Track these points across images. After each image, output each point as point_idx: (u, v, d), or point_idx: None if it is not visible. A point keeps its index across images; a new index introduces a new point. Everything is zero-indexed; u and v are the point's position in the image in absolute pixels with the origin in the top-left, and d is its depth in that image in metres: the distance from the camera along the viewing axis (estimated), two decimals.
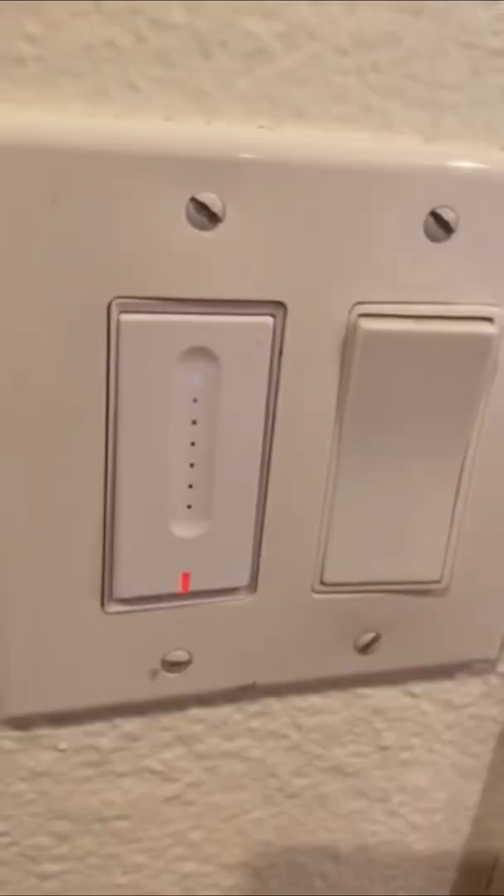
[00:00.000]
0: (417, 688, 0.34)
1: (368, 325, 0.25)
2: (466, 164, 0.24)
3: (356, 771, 0.35)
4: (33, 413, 0.23)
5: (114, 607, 0.27)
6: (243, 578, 0.27)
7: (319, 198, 0.23)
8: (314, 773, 0.35)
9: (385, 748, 0.35)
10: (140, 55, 0.21)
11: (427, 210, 0.24)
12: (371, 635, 0.30)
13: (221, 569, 0.27)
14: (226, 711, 0.32)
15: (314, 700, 0.33)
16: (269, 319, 0.24)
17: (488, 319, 0.25)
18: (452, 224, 0.24)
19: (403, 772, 0.36)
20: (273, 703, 0.32)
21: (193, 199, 0.22)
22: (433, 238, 0.24)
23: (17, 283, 0.21)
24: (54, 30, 0.21)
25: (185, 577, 0.27)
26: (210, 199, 0.22)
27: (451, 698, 0.35)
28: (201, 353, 0.24)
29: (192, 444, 0.25)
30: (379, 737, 0.35)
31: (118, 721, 0.30)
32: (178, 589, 0.27)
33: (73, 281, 0.22)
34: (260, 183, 0.22)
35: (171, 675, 0.28)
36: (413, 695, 0.34)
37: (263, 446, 0.26)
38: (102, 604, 0.26)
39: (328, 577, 0.28)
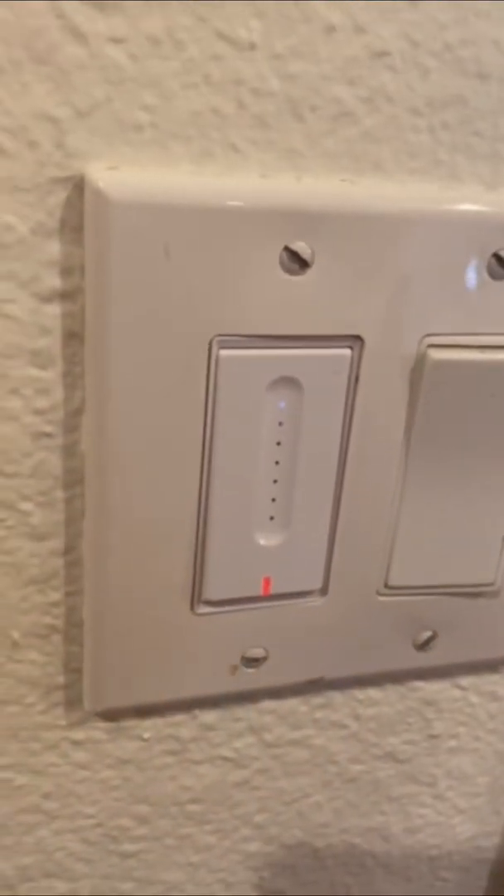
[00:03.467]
0: (465, 681, 0.37)
1: (436, 354, 0.27)
2: None
3: (407, 758, 0.38)
4: (139, 436, 0.26)
5: (202, 608, 0.29)
6: (317, 582, 0.30)
7: (394, 242, 0.26)
8: (369, 759, 0.37)
9: (434, 736, 0.38)
10: (240, 120, 0.24)
11: (490, 251, 0.27)
12: (428, 633, 0.33)
13: (298, 573, 0.30)
14: (293, 703, 0.34)
15: (372, 692, 0.35)
16: (347, 351, 0.27)
17: None
18: None
19: (450, 758, 0.39)
20: (335, 696, 0.35)
21: (286, 248, 0.25)
22: (495, 276, 0.27)
23: (135, 321, 0.24)
24: (168, 100, 0.23)
25: (267, 581, 0.29)
26: (301, 247, 0.25)
27: (496, 690, 0.38)
28: (288, 381, 0.27)
29: (277, 462, 0.28)
30: (429, 726, 0.38)
31: (197, 712, 0.33)
32: (260, 592, 0.29)
33: (181, 321, 0.25)
34: (344, 231, 0.25)
35: (249, 671, 0.31)
36: (461, 687, 0.37)
37: (338, 464, 0.29)
38: (192, 605, 0.29)
39: (393, 581, 0.31)
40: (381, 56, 0.24)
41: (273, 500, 0.28)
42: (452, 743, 0.39)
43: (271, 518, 0.29)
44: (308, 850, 0.39)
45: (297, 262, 0.25)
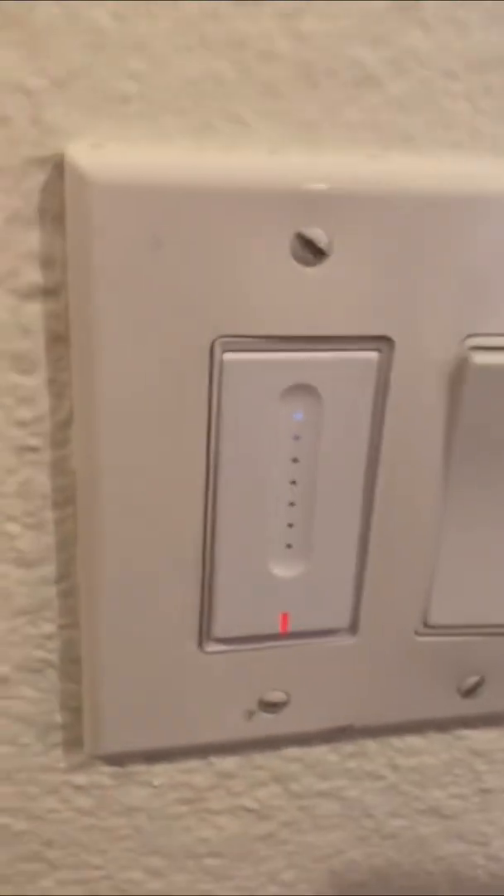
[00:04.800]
0: None
1: (481, 358, 0.23)
2: None
3: (455, 813, 0.34)
4: (134, 452, 0.23)
5: (212, 647, 0.26)
6: (344, 620, 0.27)
7: (428, 228, 0.22)
8: (411, 814, 0.33)
9: (486, 791, 0.34)
10: (244, 88, 0.21)
11: None
12: (475, 679, 0.29)
13: (321, 609, 0.26)
14: (321, 751, 0.31)
15: (413, 741, 0.32)
16: (373, 355, 0.23)
17: None
18: None
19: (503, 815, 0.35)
20: (370, 744, 0.31)
21: (299, 235, 0.21)
22: None
23: (125, 321, 0.21)
24: (158, 66, 0.20)
25: (285, 617, 0.26)
26: (316, 234, 0.21)
27: None
28: (304, 390, 0.23)
29: (293, 482, 0.24)
30: (479, 779, 0.33)
31: (213, 759, 0.30)
32: (278, 629, 0.26)
33: (177, 320, 0.22)
34: (367, 215, 0.22)
35: (268, 716, 0.28)
36: None
37: (366, 485, 0.25)
38: (200, 643, 0.26)
39: (432, 620, 0.27)
40: (409, 9, 0.21)
41: (290, 525, 0.25)
42: None
43: (288, 546, 0.25)
44: None
45: (312, 251, 0.21)
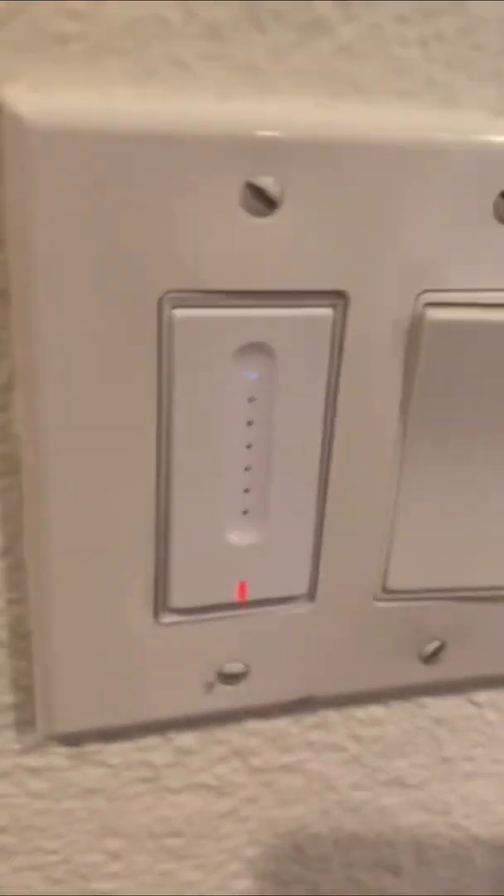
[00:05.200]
0: (481, 696, 0.32)
1: (436, 314, 0.23)
2: None
3: (418, 783, 0.34)
4: (81, 415, 0.22)
5: (168, 618, 0.25)
6: (302, 586, 0.26)
7: (383, 179, 0.21)
8: (374, 785, 0.33)
9: (447, 759, 0.34)
10: (189, 29, 0.20)
11: (499, 190, 0.22)
12: (436, 644, 0.28)
13: (279, 577, 0.26)
14: (282, 724, 0.30)
15: (374, 711, 0.31)
16: (328, 311, 0.23)
17: None
18: None
19: (466, 783, 0.35)
20: (331, 715, 0.31)
21: (249, 184, 0.21)
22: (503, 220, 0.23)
23: (67, 276, 0.20)
24: (99, 5, 0.19)
25: (242, 585, 0.25)
26: (267, 182, 0.21)
27: None
28: (258, 348, 0.22)
29: (248, 446, 0.24)
30: (441, 747, 0.33)
31: (171, 735, 0.29)
32: (235, 598, 0.25)
33: (122, 274, 0.21)
34: (319, 164, 0.21)
35: (227, 688, 0.27)
36: (477, 704, 0.33)
37: (322, 447, 0.24)
38: (156, 614, 0.25)
39: (391, 584, 0.27)
40: None
41: (246, 490, 0.24)
42: (468, 766, 0.34)
43: (244, 512, 0.24)
44: (308, 886, 0.35)
45: (263, 201, 0.21)
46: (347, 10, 0.21)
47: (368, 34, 0.21)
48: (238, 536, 0.25)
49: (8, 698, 0.26)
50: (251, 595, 0.25)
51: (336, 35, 0.21)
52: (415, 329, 0.23)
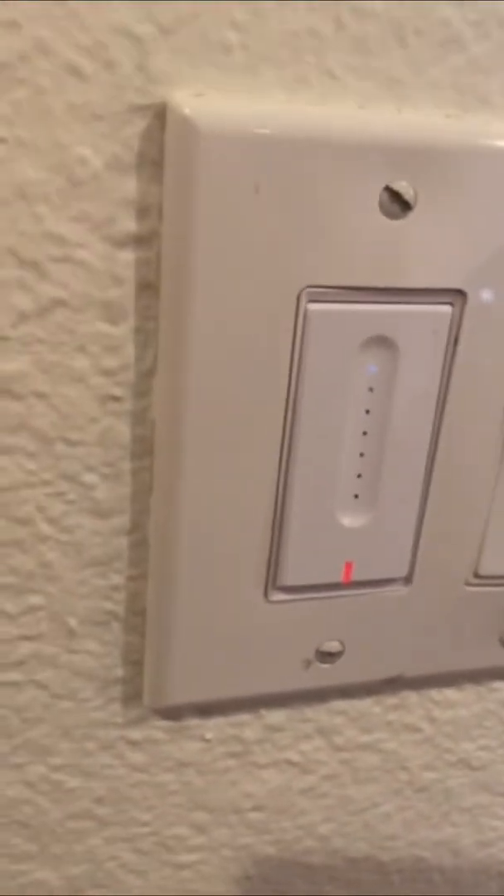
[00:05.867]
0: None
1: None
2: None
3: (482, 765, 0.35)
4: (217, 401, 0.23)
5: (277, 595, 0.27)
6: (402, 569, 0.27)
7: (501, 185, 0.23)
8: (443, 766, 0.35)
9: None
10: (339, 43, 0.21)
11: None
12: None
13: (383, 559, 0.27)
14: (366, 704, 0.32)
15: (449, 693, 0.33)
16: (447, 308, 0.24)
17: None
18: None
19: None
20: (411, 696, 0.32)
21: (387, 188, 0.22)
22: None
23: (218, 269, 0.22)
24: (260, 17, 0.21)
25: (349, 566, 0.27)
26: (403, 187, 0.22)
27: None
28: (380, 341, 0.24)
29: (364, 433, 0.25)
30: None
31: (263, 712, 0.30)
32: (341, 578, 0.27)
33: (269, 269, 0.22)
34: (448, 171, 0.22)
35: (323, 666, 0.28)
36: None
37: (432, 437, 0.26)
38: (266, 593, 0.26)
39: (483, 570, 0.28)
40: None
41: (359, 476, 0.26)
42: None
43: (356, 496, 0.26)
44: (374, 864, 0.36)
45: (399, 204, 0.22)
46: (481, 27, 0.22)
47: (498, 51, 0.23)
48: (348, 519, 0.26)
49: (118, 672, 0.28)
50: (356, 576, 0.27)
51: (469, 51, 0.22)
52: None
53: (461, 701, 0.33)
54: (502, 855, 0.39)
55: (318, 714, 0.31)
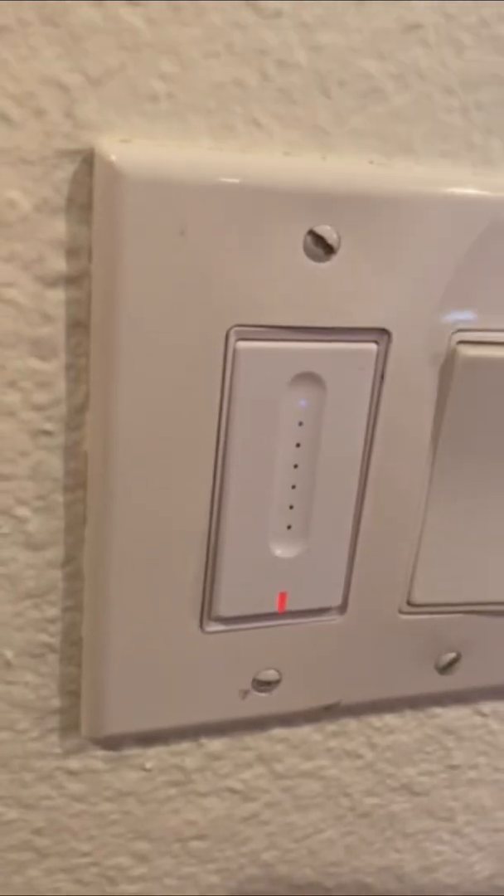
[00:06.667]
0: (487, 707, 0.35)
1: (467, 351, 0.25)
2: None
3: (425, 790, 0.36)
4: (147, 435, 0.24)
5: (212, 626, 0.27)
6: (336, 599, 0.28)
7: (424, 229, 0.24)
8: (385, 791, 0.35)
9: (454, 767, 0.36)
10: (264, 93, 0.22)
11: None
12: (452, 655, 0.31)
13: (316, 588, 0.28)
14: (306, 731, 0.32)
15: (389, 719, 0.33)
16: (373, 346, 0.25)
17: None
18: None
19: (469, 791, 0.37)
20: (351, 723, 0.33)
21: (311, 232, 0.23)
22: None
23: (146, 308, 0.22)
24: (187, 69, 0.21)
25: (283, 596, 0.27)
26: (326, 231, 0.23)
27: None
28: (309, 378, 0.25)
29: (295, 466, 0.26)
30: (448, 756, 0.35)
31: (204, 740, 0.31)
32: (275, 608, 0.27)
33: (196, 309, 0.23)
34: (372, 215, 0.23)
35: (260, 695, 0.29)
36: (482, 714, 0.35)
37: (361, 469, 0.26)
38: (201, 623, 0.27)
39: (415, 598, 0.29)
40: (413, 29, 0.23)
41: (291, 507, 0.26)
42: (472, 774, 0.36)
43: (289, 527, 0.26)
44: (318, 890, 0.36)
45: (323, 248, 0.23)
46: (401, 80, 0.23)
47: (418, 101, 0.24)
48: (282, 549, 0.27)
49: (55, 702, 0.28)
50: (290, 606, 0.27)
51: (390, 102, 0.23)
52: (448, 364, 0.26)
53: (401, 727, 0.34)
54: (447, 880, 0.39)
55: (258, 742, 0.31)
